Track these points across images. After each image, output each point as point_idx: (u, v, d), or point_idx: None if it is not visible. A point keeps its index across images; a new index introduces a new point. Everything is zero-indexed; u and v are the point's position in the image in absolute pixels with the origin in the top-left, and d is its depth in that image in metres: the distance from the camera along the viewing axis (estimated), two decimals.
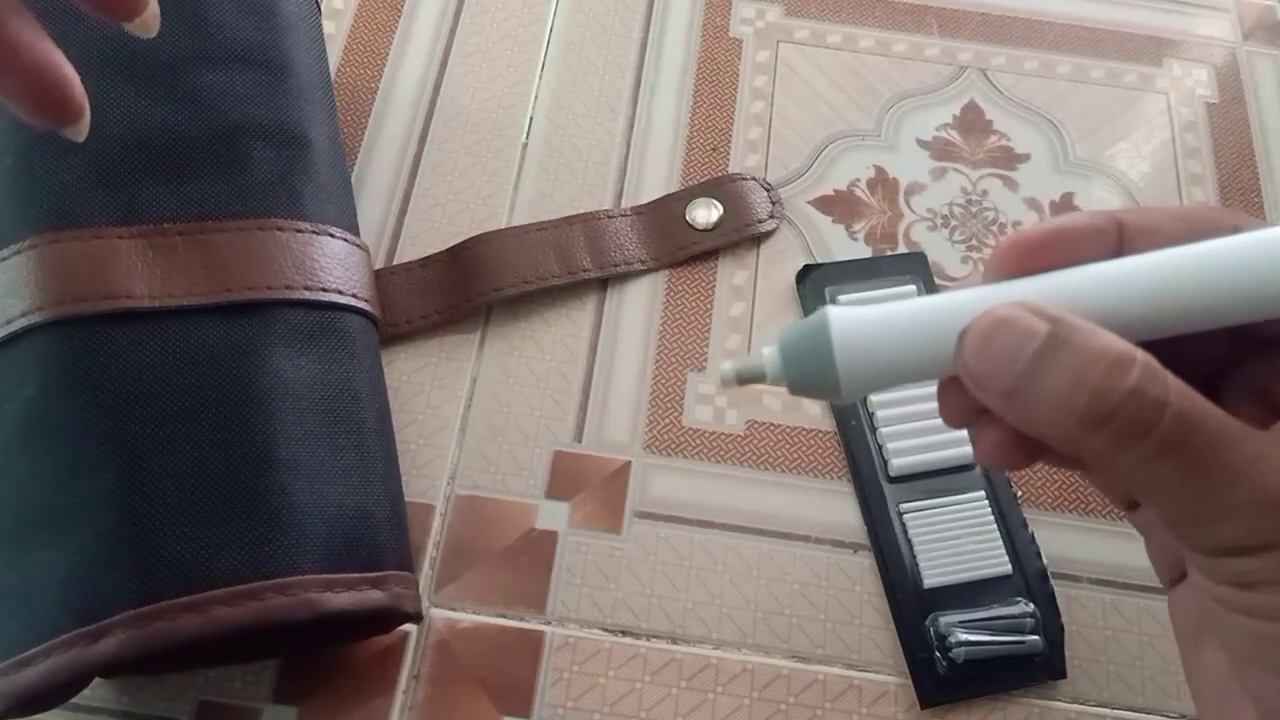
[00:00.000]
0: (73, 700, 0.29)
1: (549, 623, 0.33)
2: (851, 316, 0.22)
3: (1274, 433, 0.20)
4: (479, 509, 0.35)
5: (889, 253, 0.40)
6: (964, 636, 0.32)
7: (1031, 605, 0.33)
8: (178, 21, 0.34)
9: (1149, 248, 0.21)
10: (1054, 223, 0.22)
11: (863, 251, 0.40)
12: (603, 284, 0.39)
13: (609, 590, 0.34)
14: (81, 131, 0.25)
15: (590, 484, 0.36)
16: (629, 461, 0.36)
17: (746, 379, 0.23)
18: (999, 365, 0.21)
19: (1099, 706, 0.33)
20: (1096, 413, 0.20)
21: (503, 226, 0.39)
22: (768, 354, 0.23)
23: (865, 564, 0.35)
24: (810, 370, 0.22)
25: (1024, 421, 0.21)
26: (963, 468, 0.35)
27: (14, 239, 0.30)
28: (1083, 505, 0.36)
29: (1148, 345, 0.20)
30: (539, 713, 0.32)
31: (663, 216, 0.40)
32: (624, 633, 0.33)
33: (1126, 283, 0.21)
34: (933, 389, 0.38)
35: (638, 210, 0.40)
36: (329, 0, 0.45)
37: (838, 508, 0.35)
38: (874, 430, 0.36)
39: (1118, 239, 0.22)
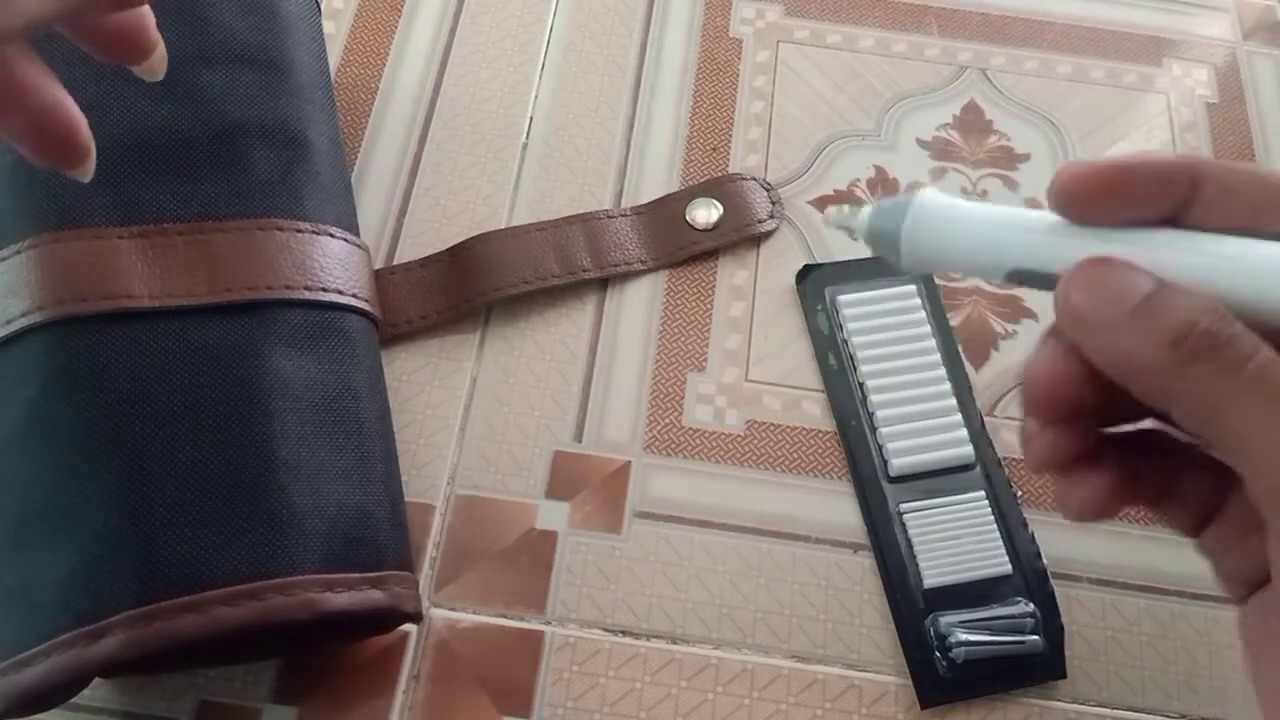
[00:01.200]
0: (73, 700, 0.29)
1: (549, 623, 0.33)
2: (936, 199, 0.25)
3: None
4: (479, 509, 0.35)
5: None
6: (964, 636, 0.32)
7: (1031, 605, 0.33)
8: (178, 21, 0.34)
9: (1222, 212, 0.22)
10: (1123, 162, 0.23)
11: (863, 251, 0.40)
12: (603, 284, 0.39)
13: (609, 590, 0.34)
14: (87, 173, 0.25)
15: (590, 484, 0.36)
16: (629, 461, 0.36)
17: (842, 226, 0.26)
18: (1106, 303, 0.21)
19: (1099, 706, 0.33)
20: (1199, 349, 0.21)
21: (503, 226, 0.39)
22: (866, 211, 0.26)
23: (865, 564, 0.35)
24: (884, 235, 0.25)
25: (1120, 355, 0.22)
26: (962, 468, 0.35)
27: (14, 239, 0.30)
28: None
29: None
30: (539, 713, 0.32)
31: (663, 216, 0.40)
32: (624, 633, 0.33)
33: (1207, 270, 0.22)
34: (930, 390, 0.38)
35: (638, 210, 0.40)
36: (329, 0, 0.45)
37: (838, 508, 0.35)
38: (874, 430, 0.36)
39: (1187, 191, 0.22)
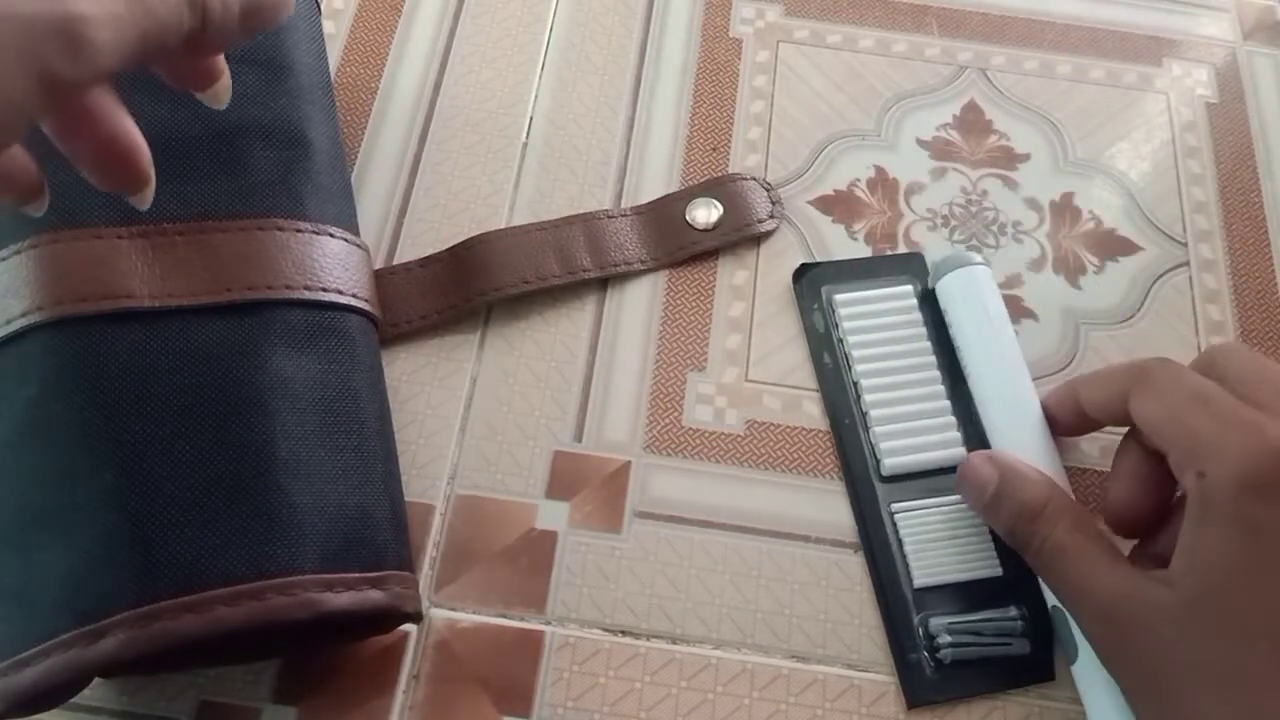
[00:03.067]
0: (73, 700, 0.30)
1: (549, 623, 0.33)
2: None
3: (1136, 573, 0.29)
4: (479, 509, 0.35)
5: (888, 253, 0.40)
6: (952, 638, 0.32)
7: (1021, 608, 0.33)
8: None
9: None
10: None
11: (863, 251, 0.40)
12: (603, 284, 0.39)
13: (609, 590, 0.34)
14: (146, 199, 0.25)
15: (590, 484, 0.36)
16: (629, 461, 0.36)
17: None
18: (974, 495, 0.34)
19: None
20: (1017, 536, 0.32)
21: (503, 226, 0.39)
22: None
23: (865, 563, 0.35)
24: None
25: (993, 524, 0.33)
26: (955, 468, 0.35)
27: (14, 239, 0.30)
28: None
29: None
30: (539, 713, 0.32)
31: (663, 216, 0.40)
32: (624, 633, 0.33)
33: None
34: (924, 390, 0.38)
35: (638, 210, 0.40)
36: (329, 0, 0.45)
37: (838, 508, 0.35)
38: (867, 429, 0.36)
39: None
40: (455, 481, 0.35)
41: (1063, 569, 0.30)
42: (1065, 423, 0.34)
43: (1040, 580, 0.32)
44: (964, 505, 0.35)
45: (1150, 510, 0.32)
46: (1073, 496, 0.33)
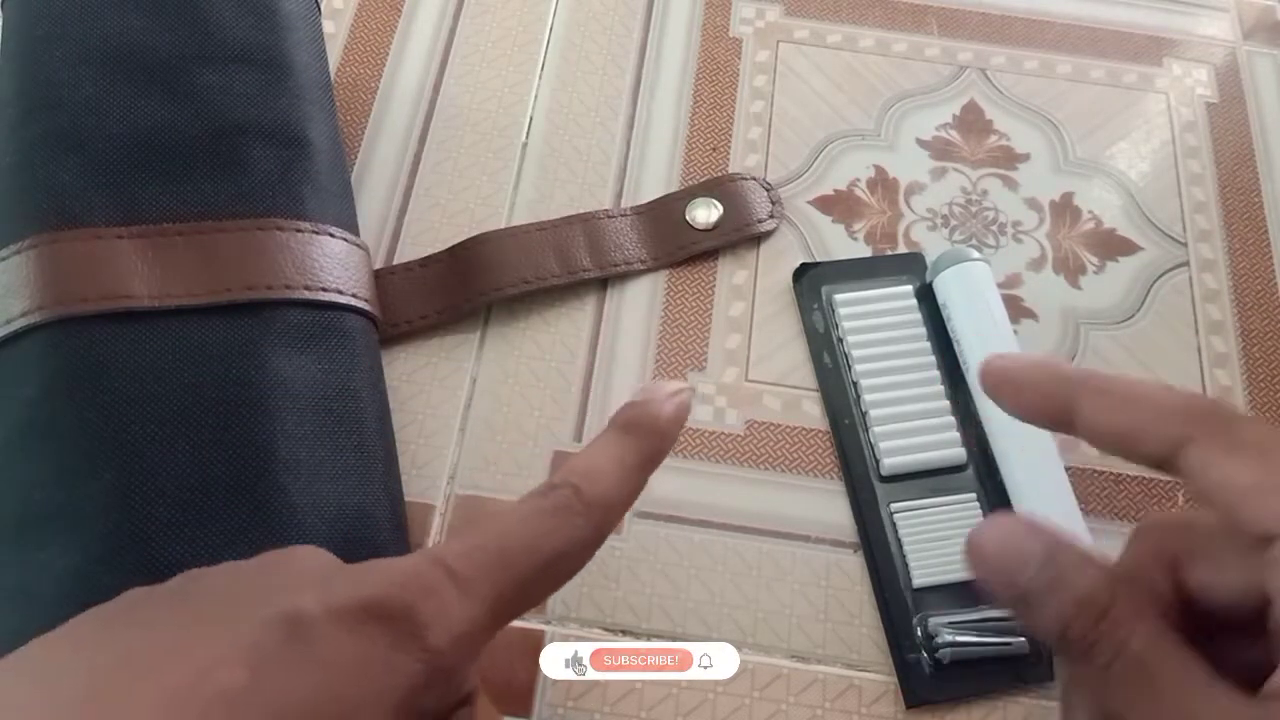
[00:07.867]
0: None
1: (549, 622, 0.33)
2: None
3: (1242, 699, 0.21)
4: (479, 509, 0.35)
5: (888, 253, 0.40)
6: (950, 637, 0.32)
7: None
8: (178, 21, 0.34)
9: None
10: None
11: (863, 251, 0.40)
12: (603, 284, 0.39)
13: (609, 590, 0.34)
14: None
15: None
16: None
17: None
18: (1004, 575, 0.24)
19: None
20: (1073, 640, 0.23)
21: (503, 226, 0.39)
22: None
23: (865, 564, 0.35)
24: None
25: (1028, 618, 0.24)
26: (955, 469, 0.35)
27: (14, 239, 0.30)
28: None
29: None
30: (539, 713, 0.32)
31: (663, 216, 0.40)
32: (624, 632, 0.33)
33: None
34: (924, 390, 0.38)
35: (638, 210, 0.40)
36: (329, 0, 0.45)
37: (838, 507, 0.35)
38: (867, 429, 0.36)
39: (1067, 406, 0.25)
40: (455, 481, 0.35)
41: (1146, 694, 0.22)
42: (1035, 406, 0.26)
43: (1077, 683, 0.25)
44: (963, 505, 0.35)
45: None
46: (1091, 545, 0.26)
